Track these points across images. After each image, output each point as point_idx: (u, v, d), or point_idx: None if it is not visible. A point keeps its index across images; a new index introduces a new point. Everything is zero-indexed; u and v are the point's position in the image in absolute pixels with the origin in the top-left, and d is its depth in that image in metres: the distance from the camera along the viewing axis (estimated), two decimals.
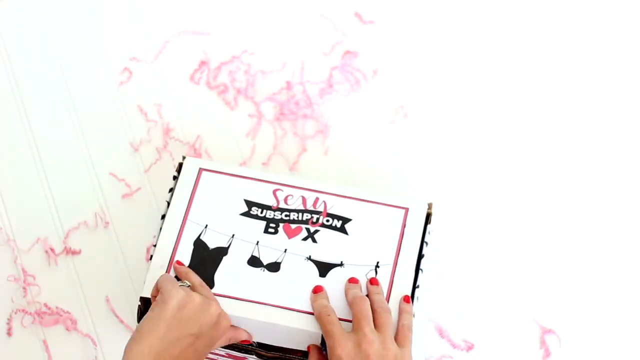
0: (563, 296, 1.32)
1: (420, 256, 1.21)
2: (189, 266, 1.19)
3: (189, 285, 1.14)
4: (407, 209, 1.23)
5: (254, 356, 1.21)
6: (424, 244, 1.22)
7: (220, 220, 1.22)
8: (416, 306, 1.19)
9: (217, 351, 1.22)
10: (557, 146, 1.40)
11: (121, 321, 1.30)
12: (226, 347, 1.20)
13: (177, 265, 1.18)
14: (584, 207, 1.37)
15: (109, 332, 1.30)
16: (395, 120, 1.41)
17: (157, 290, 1.13)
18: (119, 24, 1.44)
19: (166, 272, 1.19)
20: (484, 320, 1.31)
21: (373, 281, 1.18)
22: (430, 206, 1.23)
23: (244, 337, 1.18)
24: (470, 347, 1.30)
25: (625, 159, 1.39)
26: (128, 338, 1.29)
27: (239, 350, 1.20)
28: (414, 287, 1.20)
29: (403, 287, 1.19)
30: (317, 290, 1.17)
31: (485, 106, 1.42)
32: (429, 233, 1.22)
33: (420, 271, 1.20)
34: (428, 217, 1.23)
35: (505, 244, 1.35)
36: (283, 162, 1.38)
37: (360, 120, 1.41)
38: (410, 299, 1.17)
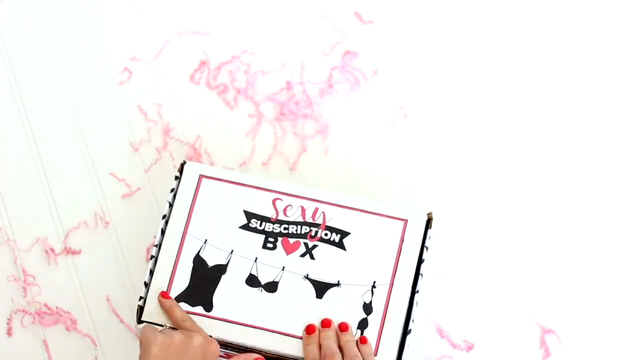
0: (563, 296, 1.32)
1: (420, 262, 1.21)
2: (189, 286, 1.20)
3: (169, 327, 1.15)
4: (406, 221, 1.23)
5: None
6: (424, 249, 1.22)
7: (220, 234, 1.23)
8: (416, 309, 1.20)
9: None
10: (556, 146, 1.40)
11: (121, 321, 1.30)
12: (225, 347, 1.20)
13: (161, 299, 1.19)
14: (583, 208, 1.37)
15: (109, 332, 1.30)
16: (395, 120, 1.41)
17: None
18: (119, 24, 1.44)
19: (167, 290, 1.20)
20: (484, 320, 1.31)
21: (343, 327, 1.19)
22: (430, 215, 1.24)
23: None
24: (470, 347, 1.30)
25: (623, 163, 1.39)
26: (128, 338, 1.29)
27: (238, 351, 1.20)
28: (412, 296, 1.20)
29: (399, 306, 1.20)
30: (309, 331, 1.18)
31: (485, 106, 1.42)
32: (429, 238, 1.23)
33: (420, 276, 1.21)
34: (429, 222, 1.23)
35: (505, 244, 1.35)
36: (283, 162, 1.38)
37: (360, 120, 1.41)
38: (366, 340, 1.18)
